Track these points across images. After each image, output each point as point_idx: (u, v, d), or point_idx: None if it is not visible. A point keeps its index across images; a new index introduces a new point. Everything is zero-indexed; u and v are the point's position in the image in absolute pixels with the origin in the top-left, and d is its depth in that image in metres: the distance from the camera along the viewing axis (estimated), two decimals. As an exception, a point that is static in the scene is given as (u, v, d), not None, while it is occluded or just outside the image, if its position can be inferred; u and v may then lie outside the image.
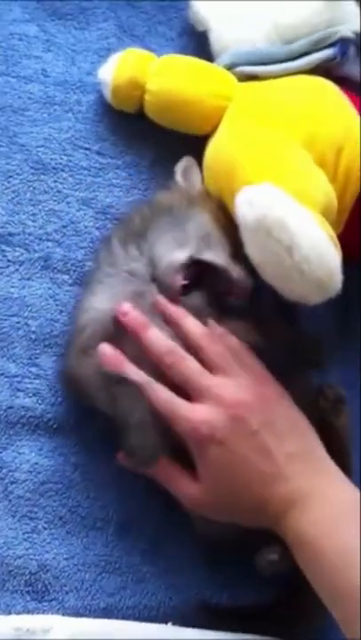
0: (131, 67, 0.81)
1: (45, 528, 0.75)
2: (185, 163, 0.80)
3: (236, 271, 0.73)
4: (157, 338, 0.71)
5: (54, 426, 0.77)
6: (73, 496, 0.76)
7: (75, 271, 0.80)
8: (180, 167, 0.80)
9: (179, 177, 0.79)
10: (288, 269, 0.68)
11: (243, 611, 0.77)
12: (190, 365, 0.71)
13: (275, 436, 0.70)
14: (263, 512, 0.69)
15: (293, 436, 0.71)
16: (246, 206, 0.69)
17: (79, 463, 0.77)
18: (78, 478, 0.77)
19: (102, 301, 0.72)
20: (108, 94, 0.82)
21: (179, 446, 0.71)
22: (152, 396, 0.70)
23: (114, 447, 0.77)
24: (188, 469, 0.71)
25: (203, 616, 0.76)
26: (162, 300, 0.72)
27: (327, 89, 0.79)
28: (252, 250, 0.70)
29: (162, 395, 0.70)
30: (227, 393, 0.70)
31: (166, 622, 0.74)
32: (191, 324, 0.72)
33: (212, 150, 0.80)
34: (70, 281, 0.79)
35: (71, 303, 0.79)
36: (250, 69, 0.81)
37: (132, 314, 0.71)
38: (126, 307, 0.71)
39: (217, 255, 0.73)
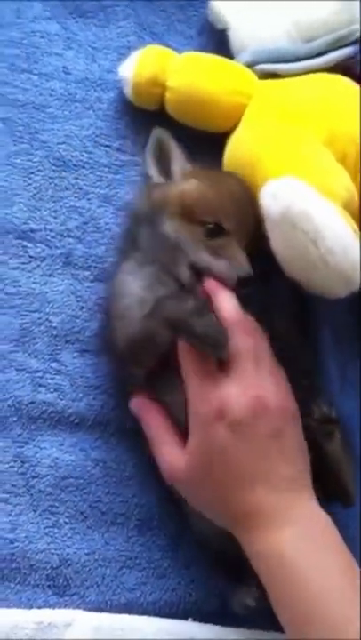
0: (151, 64, 0.81)
1: (66, 523, 0.75)
2: (156, 137, 0.77)
3: (216, 265, 0.71)
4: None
5: (75, 421, 0.77)
6: (94, 491, 0.76)
7: (96, 267, 0.80)
8: (150, 146, 0.77)
9: (150, 163, 0.77)
10: (313, 261, 0.68)
11: (261, 608, 0.77)
12: (238, 344, 0.69)
13: (279, 450, 0.67)
14: (235, 512, 0.67)
15: (295, 458, 0.69)
16: (271, 199, 0.69)
17: (100, 459, 0.77)
18: (99, 474, 0.77)
19: (138, 288, 0.72)
20: (128, 91, 0.83)
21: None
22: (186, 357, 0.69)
23: (134, 443, 0.78)
24: (179, 437, 0.70)
25: (223, 612, 0.76)
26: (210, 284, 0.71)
27: (347, 86, 0.79)
28: (277, 243, 0.70)
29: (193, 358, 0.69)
30: (256, 385, 0.68)
31: (187, 618, 0.75)
32: (227, 303, 0.70)
33: (232, 147, 0.80)
34: (91, 277, 0.80)
35: (92, 299, 0.79)
36: (270, 67, 0.81)
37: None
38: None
39: (194, 260, 0.72)
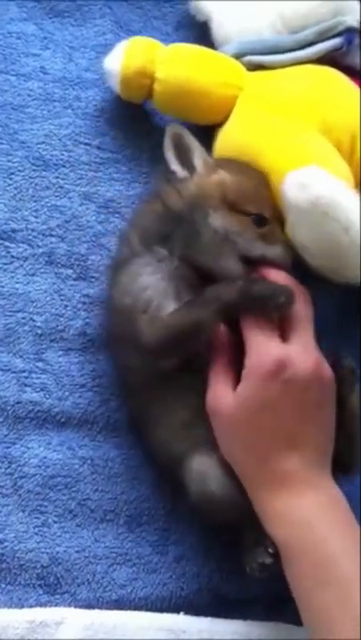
0: (140, 55, 0.80)
1: (55, 522, 0.75)
2: (172, 133, 0.76)
3: (271, 251, 0.73)
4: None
5: (62, 420, 0.77)
6: (82, 489, 0.76)
7: (78, 265, 0.80)
8: (168, 143, 0.76)
9: (172, 160, 0.76)
10: (344, 248, 0.69)
11: (254, 599, 0.77)
12: (301, 311, 0.71)
13: (320, 420, 0.70)
14: (266, 467, 0.68)
15: (329, 432, 0.71)
16: (298, 189, 0.69)
17: (87, 457, 0.77)
18: (87, 472, 0.77)
19: (157, 280, 0.72)
20: (116, 85, 0.81)
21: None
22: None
23: (122, 440, 0.78)
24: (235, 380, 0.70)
25: (214, 605, 0.76)
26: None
27: (336, 77, 0.79)
28: (304, 232, 0.71)
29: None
30: (316, 351, 0.70)
31: (178, 612, 0.75)
32: (284, 279, 0.72)
33: (224, 140, 0.79)
34: (74, 275, 0.80)
35: (76, 298, 0.79)
36: (257, 59, 0.81)
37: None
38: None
39: (247, 250, 0.72)
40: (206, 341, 0.71)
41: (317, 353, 0.70)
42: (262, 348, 0.69)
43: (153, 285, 0.72)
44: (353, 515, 0.69)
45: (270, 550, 0.68)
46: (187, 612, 0.75)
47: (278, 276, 0.71)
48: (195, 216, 0.73)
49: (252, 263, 0.73)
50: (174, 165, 0.76)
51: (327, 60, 0.81)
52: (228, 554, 0.76)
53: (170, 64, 0.80)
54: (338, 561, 0.65)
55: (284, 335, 0.70)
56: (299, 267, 0.74)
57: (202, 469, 0.72)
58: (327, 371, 0.70)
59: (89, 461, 0.77)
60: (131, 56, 0.80)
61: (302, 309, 0.71)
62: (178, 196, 0.74)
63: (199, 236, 0.73)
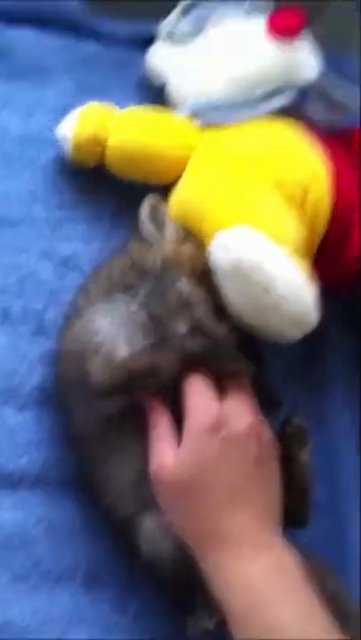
0: (92, 123, 0.81)
1: (9, 584, 0.73)
2: (150, 204, 0.77)
3: (219, 330, 0.73)
4: None
5: (16, 479, 0.76)
6: (37, 550, 0.74)
7: (35, 321, 0.80)
8: (145, 212, 0.77)
9: (148, 227, 0.77)
10: (265, 309, 0.69)
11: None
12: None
13: (263, 479, 0.69)
14: (210, 530, 0.67)
15: (274, 493, 0.70)
16: (222, 251, 0.69)
17: (43, 516, 0.75)
18: (42, 532, 0.75)
19: (108, 324, 0.72)
20: (68, 150, 0.83)
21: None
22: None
23: (78, 496, 0.77)
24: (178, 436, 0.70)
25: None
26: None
27: (290, 132, 0.80)
28: (229, 292, 0.71)
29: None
30: (255, 413, 0.70)
31: (139, 673, 0.72)
32: None
33: (177, 200, 0.79)
34: (30, 331, 0.79)
35: (32, 353, 0.79)
36: (210, 118, 0.82)
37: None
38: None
39: (200, 320, 0.73)
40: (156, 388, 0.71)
41: (254, 412, 0.70)
42: (200, 408, 0.69)
43: (104, 329, 0.71)
44: (305, 576, 0.66)
45: (213, 619, 0.67)
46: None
47: None
48: (165, 275, 0.74)
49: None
50: (151, 232, 0.76)
51: (286, 110, 0.82)
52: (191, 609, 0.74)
53: (121, 130, 0.81)
54: (288, 629, 0.63)
55: (222, 391, 0.71)
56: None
57: (152, 529, 0.71)
58: (265, 430, 0.71)
59: (44, 521, 0.75)
60: (83, 123, 0.81)
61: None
62: (152, 254, 0.75)
63: (164, 294, 0.73)
